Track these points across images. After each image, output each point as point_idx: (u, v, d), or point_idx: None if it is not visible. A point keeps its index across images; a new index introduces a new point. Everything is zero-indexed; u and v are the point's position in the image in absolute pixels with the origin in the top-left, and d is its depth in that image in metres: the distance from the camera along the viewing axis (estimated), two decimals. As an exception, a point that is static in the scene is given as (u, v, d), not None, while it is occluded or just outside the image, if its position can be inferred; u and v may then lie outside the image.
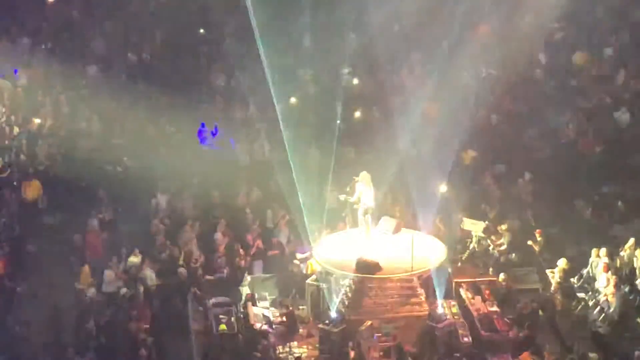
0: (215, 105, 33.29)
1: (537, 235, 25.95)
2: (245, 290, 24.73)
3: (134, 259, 25.44)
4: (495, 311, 23.20)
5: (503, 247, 25.88)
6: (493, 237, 25.97)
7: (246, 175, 29.85)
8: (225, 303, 23.70)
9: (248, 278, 25.17)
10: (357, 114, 32.15)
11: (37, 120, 31.40)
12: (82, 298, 24.37)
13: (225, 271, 25.56)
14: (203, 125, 31.53)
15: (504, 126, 31.62)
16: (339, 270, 23.23)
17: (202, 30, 36.87)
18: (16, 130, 31.05)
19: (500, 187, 29.00)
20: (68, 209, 28.15)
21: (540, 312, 23.53)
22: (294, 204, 27.02)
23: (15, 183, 28.83)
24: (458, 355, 21.68)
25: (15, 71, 32.96)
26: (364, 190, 24.16)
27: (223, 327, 22.61)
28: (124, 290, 24.41)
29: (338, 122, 31.76)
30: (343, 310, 22.94)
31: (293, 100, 32.62)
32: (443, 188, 26.03)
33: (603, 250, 24.75)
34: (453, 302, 23.55)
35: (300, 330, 23.38)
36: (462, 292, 24.12)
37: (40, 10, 37.16)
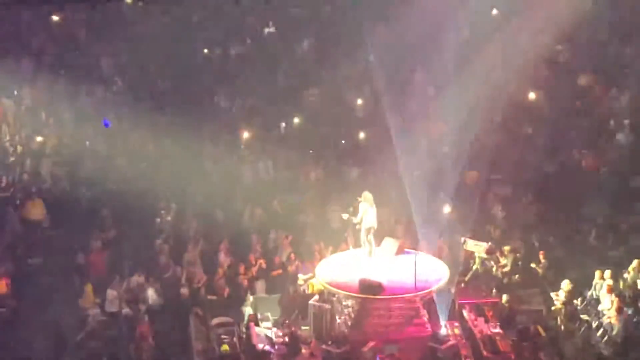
0: (219, 124, 33.31)
1: (541, 256, 25.91)
2: (247, 310, 24.68)
3: (137, 279, 25.40)
4: (498, 332, 23.16)
5: (506, 269, 25.83)
6: (496, 259, 25.93)
7: (249, 195, 29.83)
8: (228, 323, 23.73)
9: (250, 298, 25.14)
10: (361, 134, 32.17)
11: (39, 139, 31.46)
12: (85, 317, 24.35)
13: (227, 291, 25.53)
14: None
15: (507, 147, 31.60)
16: (342, 291, 23.19)
17: (206, 51, 36.95)
18: (20, 149, 31.08)
19: (504, 208, 28.97)
20: (71, 228, 28.13)
21: (543, 334, 23.46)
22: (297, 224, 26.99)
23: (18, 202, 28.84)
24: (460, 376, 21.65)
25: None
26: (366, 210, 24.16)
27: (225, 347, 22.60)
28: (126, 310, 24.37)
29: (342, 142, 31.86)
30: (346, 330, 22.90)
31: (297, 120, 32.68)
32: (446, 209, 26.01)
33: (607, 272, 24.71)
34: (456, 323, 23.54)
35: (303, 350, 23.27)
36: (465, 313, 24.09)
37: (45, 29, 37.25)
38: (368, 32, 32.99)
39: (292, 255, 26.32)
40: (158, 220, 28.45)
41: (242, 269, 26.01)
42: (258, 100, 33.77)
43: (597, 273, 24.88)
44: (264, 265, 26.37)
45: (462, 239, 26.23)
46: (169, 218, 28.55)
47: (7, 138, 31.55)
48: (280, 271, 26.34)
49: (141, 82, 35.53)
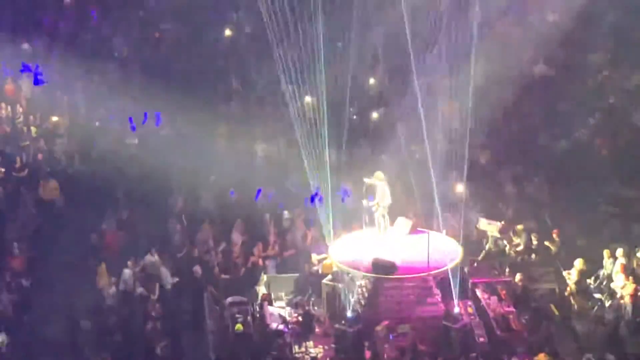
0: (232, 104, 33.31)
1: (554, 235, 25.90)
2: (261, 289, 24.77)
3: (151, 258, 25.51)
4: (512, 311, 23.19)
5: (519, 248, 25.85)
6: (509, 238, 25.94)
7: (262, 175, 29.87)
8: (242, 302, 23.80)
9: (264, 277, 25.21)
10: (374, 113, 32.13)
11: (54, 119, 31.53)
12: (99, 297, 24.48)
13: (242, 270, 25.62)
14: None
15: (520, 126, 31.54)
16: (355, 271, 23.25)
17: (225, 30, 36.81)
18: (34, 130, 31.16)
19: (517, 187, 28.95)
20: (85, 208, 28.23)
21: (557, 313, 23.49)
22: (310, 204, 27.03)
23: (33, 182, 28.93)
24: (474, 355, 21.67)
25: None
26: (379, 189, 24.17)
27: (239, 326, 22.69)
28: (140, 289, 24.48)
29: (354, 118, 31.76)
30: (359, 310, 22.98)
31: (308, 99, 32.64)
32: (459, 188, 26.00)
33: (620, 251, 24.66)
34: (469, 303, 23.58)
35: (316, 330, 23.42)
36: (478, 292, 24.12)
37: (58, 9, 37.23)
38: (381, 9, 32.85)
39: (306, 235, 26.36)
40: (170, 200, 28.50)
41: (259, 248, 26.07)
42: (271, 79, 33.69)
43: (606, 252, 24.83)
44: (277, 247, 26.44)
45: (475, 218, 26.25)
46: (182, 197, 28.60)
47: (21, 119, 31.59)
48: (293, 251, 26.40)
49: (154, 62, 35.52)
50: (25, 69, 32.54)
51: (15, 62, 33.25)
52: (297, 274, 25.24)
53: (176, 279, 25.33)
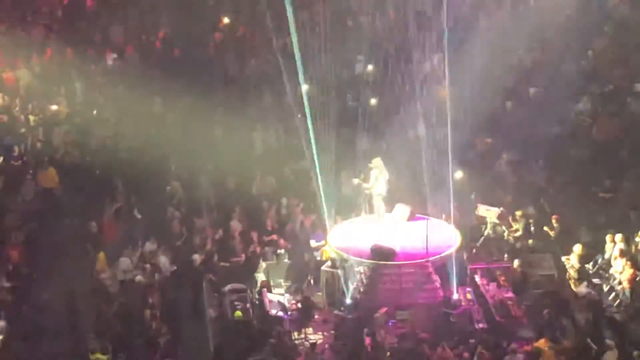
0: (230, 91, 33.27)
1: (554, 221, 25.91)
2: (260, 277, 24.78)
3: (150, 246, 25.52)
4: (511, 297, 23.24)
5: (518, 233, 25.86)
6: (508, 223, 25.93)
7: (261, 163, 29.85)
8: (241, 290, 23.81)
9: (263, 265, 25.21)
10: (372, 100, 32.07)
11: (53, 107, 31.50)
12: (98, 285, 24.47)
13: (241, 257, 25.62)
14: None
15: (519, 112, 31.51)
16: (354, 257, 23.25)
17: (223, 18, 36.74)
18: (32, 118, 31.12)
19: (516, 173, 28.94)
20: (84, 197, 28.24)
21: (556, 298, 23.49)
22: (309, 191, 27.03)
23: (31, 171, 28.91)
24: (473, 341, 21.67)
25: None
26: (377, 176, 24.18)
27: (238, 313, 22.73)
28: (139, 277, 24.49)
29: (352, 105, 31.71)
30: (358, 296, 23.00)
31: (307, 87, 32.58)
32: (458, 174, 25.99)
33: (619, 236, 24.70)
34: (468, 289, 23.60)
35: (316, 316, 23.45)
36: (477, 278, 24.15)
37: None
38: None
39: (304, 222, 26.34)
40: (169, 188, 28.48)
41: (255, 235, 26.07)
42: (268, 67, 33.64)
43: (609, 237, 24.87)
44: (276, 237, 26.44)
45: (474, 204, 26.24)
46: (180, 185, 28.58)
47: (17, 107, 31.53)
48: (291, 239, 26.36)
49: (151, 50, 35.46)
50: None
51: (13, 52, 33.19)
52: (296, 261, 25.22)
53: (175, 267, 25.31)
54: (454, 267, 23.33)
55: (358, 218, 25.37)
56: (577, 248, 24.69)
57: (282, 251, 25.52)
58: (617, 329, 22.65)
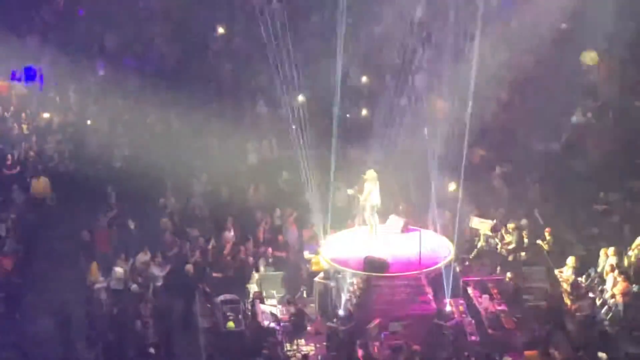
0: (224, 102, 33.27)
1: (547, 233, 25.93)
2: (253, 287, 24.74)
3: (143, 256, 25.47)
4: (503, 310, 23.26)
5: (511, 246, 25.87)
6: (501, 236, 25.95)
7: (254, 173, 29.84)
8: (233, 300, 23.77)
9: (256, 275, 25.18)
10: (366, 111, 32.14)
11: (45, 116, 31.47)
12: (91, 295, 24.42)
13: (234, 268, 25.58)
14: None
15: (512, 125, 31.55)
16: (348, 269, 23.23)
17: (218, 29, 36.76)
18: (25, 128, 31.10)
19: (509, 186, 28.97)
20: (76, 206, 28.19)
21: (548, 311, 23.50)
22: (302, 202, 27.02)
23: (24, 180, 28.86)
24: (466, 353, 21.67)
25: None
26: (371, 188, 24.17)
27: (231, 324, 22.70)
28: (133, 286, 24.43)
29: (347, 116, 31.72)
30: (351, 308, 22.96)
31: (301, 98, 32.61)
32: (451, 186, 26.00)
33: (611, 250, 24.73)
34: (461, 301, 23.60)
35: (308, 328, 23.40)
36: (470, 290, 24.17)
37: (49, 6, 37.12)
38: (373, 8, 32.87)
39: (297, 233, 26.31)
40: (162, 199, 28.45)
41: (248, 246, 26.04)
42: (263, 78, 33.66)
43: (602, 251, 24.92)
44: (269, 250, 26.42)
45: (468, 216, 26.25)
46: (173, 195, 28.56)
47: (11, 115, 31.53)
48: (284, 250, 26.34)
49: (147, 59, 35.46)
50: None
51: (7, 61, 33.14)
52: (289, 272, 25.19)
53: (167, 277, 25.25)
54: (447, 279, 23.32)
55: (351, 229, 25.33)
56: (570, 261, 24.72)
57: (275, 262, 25.52)
58: (610, 342, 22.65)
